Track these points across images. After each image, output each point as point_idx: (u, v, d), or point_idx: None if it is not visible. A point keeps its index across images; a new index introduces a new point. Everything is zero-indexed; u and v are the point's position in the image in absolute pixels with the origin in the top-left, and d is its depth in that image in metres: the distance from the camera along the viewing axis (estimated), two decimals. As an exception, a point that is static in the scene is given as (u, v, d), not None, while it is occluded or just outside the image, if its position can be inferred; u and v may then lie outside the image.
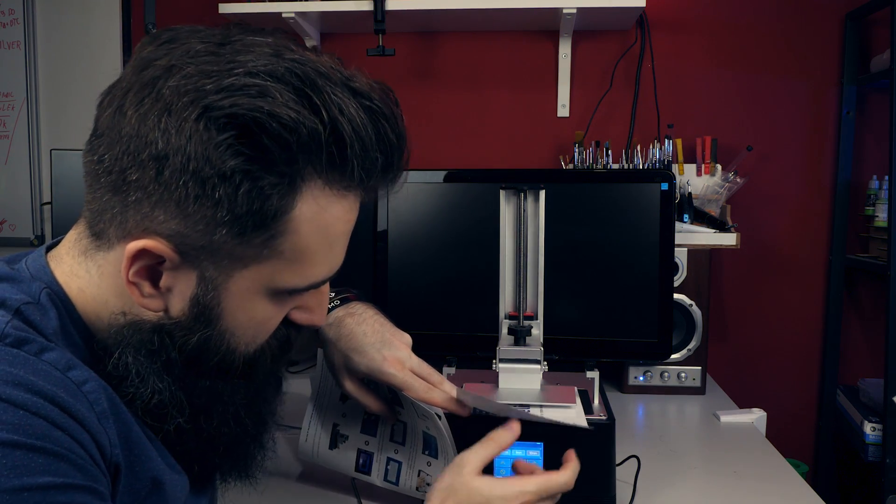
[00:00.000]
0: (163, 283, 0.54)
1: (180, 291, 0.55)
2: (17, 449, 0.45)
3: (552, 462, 0.82)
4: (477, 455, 0.71)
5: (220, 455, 0.63)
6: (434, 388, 0.81)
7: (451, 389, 0.82)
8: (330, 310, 0.85)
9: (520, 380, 0.92)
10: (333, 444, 0.92)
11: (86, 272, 0.56)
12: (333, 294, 0.88)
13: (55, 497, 0.46)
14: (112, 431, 0.52)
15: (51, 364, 0.50)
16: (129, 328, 0.55)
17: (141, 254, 0.52)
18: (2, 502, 0.44)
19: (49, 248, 0.60)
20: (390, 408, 0.87)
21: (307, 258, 0.55)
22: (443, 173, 1.12)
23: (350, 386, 0.84)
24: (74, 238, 0.58)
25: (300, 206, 0.52)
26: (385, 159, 0.54)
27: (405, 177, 0.58)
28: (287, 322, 0.62)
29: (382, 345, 0.82)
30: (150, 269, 0.53)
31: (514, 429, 0.75)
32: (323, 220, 0.54)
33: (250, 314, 0.57)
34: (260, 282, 0.55)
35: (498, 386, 0.93)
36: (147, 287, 0.54)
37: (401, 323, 1.09)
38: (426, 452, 0.86)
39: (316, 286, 0.59)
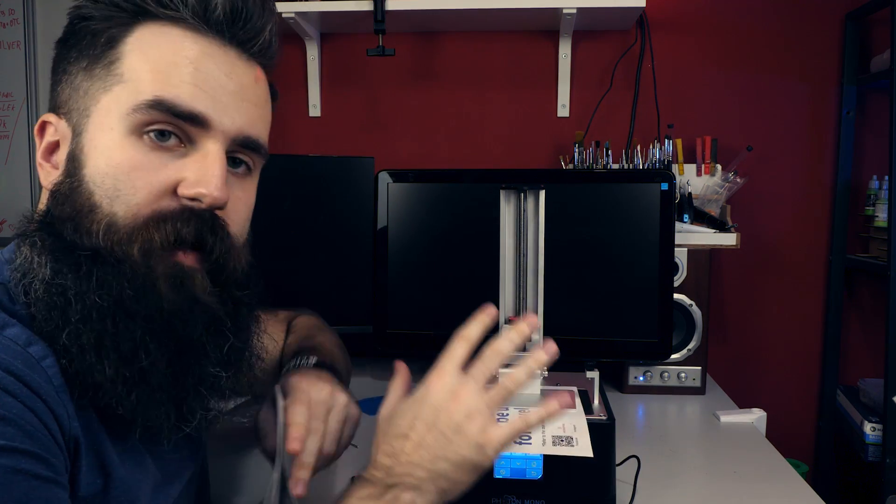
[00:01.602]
0: (57, 157, 0.59)
1: (62, 156, 0.59)
2: None
3: (552, 468, 0.82)
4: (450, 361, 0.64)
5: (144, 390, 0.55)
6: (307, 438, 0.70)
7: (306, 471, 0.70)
8: (292, 369, 0.80)
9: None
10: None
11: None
12: (308, 359, 0.82)
13: None
14: (70, 406, 0.52)
15: (11, 339, 0.51)
16: (23, 236, 0.58)
17: (42, 129, 0.60)
18: None
19: None
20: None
21: (143, 76, 0.57)
22: (443, 173, 1.12)
23: (262, 413, 0.76)
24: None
25: (133, 34, 0.57)
26: None
27: (265, 21, 0.62)
28: (184, 218, 0.57)
29: (314, 388, 0.75)
30: (52, 148, 0.60)
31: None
32: (153, 43, 0.57)
33: (107, 155, 0.56)
34: (110, 112, 0.57)
35: None
36: (48, 167, 0.60)
37: (401, 323, 1.09)
38: None
39: (161, 107, 0.56)
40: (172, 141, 0.57)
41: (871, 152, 1.69)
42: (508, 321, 0.97)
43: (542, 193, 0.95)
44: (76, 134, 0.58)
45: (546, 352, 0.66)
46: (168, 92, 0.56)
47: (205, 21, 0.59)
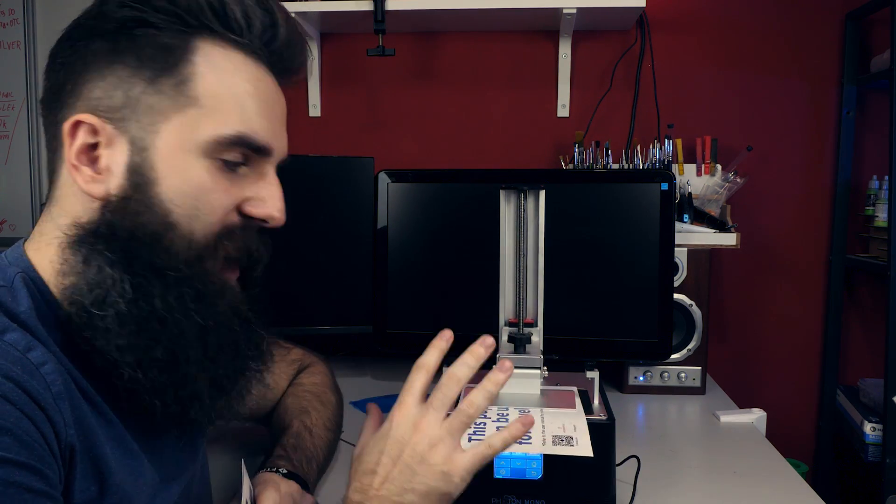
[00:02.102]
0: (102, 163, 0.57)
1: (117, 165, 0.57)
2: None
3: (552, 468, 0.82)
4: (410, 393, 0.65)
5: (184, 392, 0.59)
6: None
7: None
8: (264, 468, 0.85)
9: (520, 385, 0.93)
10: None
11: (54, 251, 0.58)
12: (280, 470, 0.84)
13: None
14: (67, 413, 0.52)
15: (10, 344, 0.51)
16: (78, 243, 0.57)
17: (76, 128, 0.57)
18: None
19: (27, 241, 0.62)
20: None
21: (220, 105, 0.58)
22: (443, 173, 1.12)
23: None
24: (42, 222, 0.61)
25: (199, 52, 0.58)
26: (265, 14, 0.60)
27: (308, 54, 0.66)
28: (246, 233, 0.62)
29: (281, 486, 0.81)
30: (88, 149, 0.57)
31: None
32: (223, 67, 0.58)
33: (184, 176, 0.57)
34: (185, 135, 0.57)
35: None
36: (88, 171, 0.57)
37: (401, 323, 1.09)
38: None
39: (242, 143, 0.59)
40: (241, 167, 0.61)
41: (871, 152, 1.69)
42: (508, 322, 0.98)
43: (542, 193, 0.95)
44: (140, 147, 0.57)
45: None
46: (247, 127, 0.59)
47: (266, 50, 0.61)
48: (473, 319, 1.07)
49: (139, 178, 0.57)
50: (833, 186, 1.70)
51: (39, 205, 1.94)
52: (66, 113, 0.58)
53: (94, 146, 0.57)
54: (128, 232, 0.56)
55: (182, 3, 0.57)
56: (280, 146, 0.64)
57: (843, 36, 1.67)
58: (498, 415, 0.85)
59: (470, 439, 0.80)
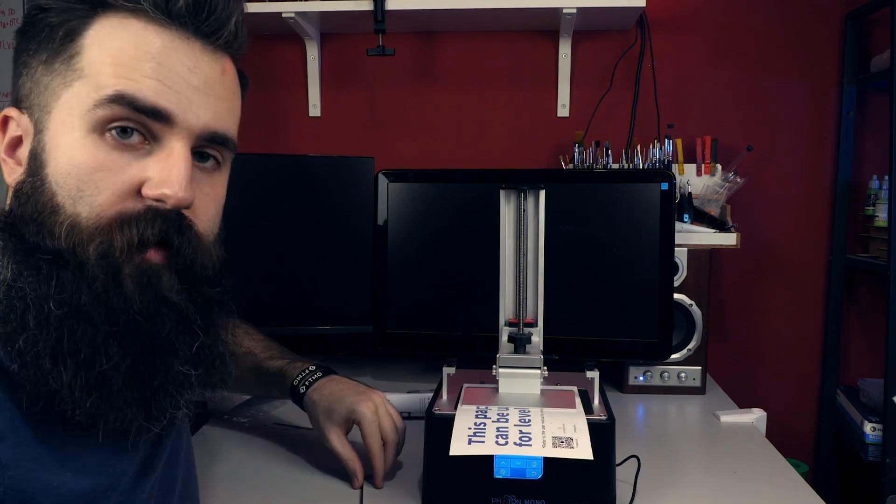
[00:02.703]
0: (20, 153, 0.58)
1: (26, 152, 0.58)
2: None
3: (552, 468, 0.82)
4: None
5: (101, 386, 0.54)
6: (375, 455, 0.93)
7: (381, 462, 0.94)
8: (313, 381, 0.99)
9: (520, 385, 0.93)
10: None
11: None
12: (314, 367, 1.02)
13: None
14: (7, 454, 0.50)
15: None
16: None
17: (5, 123, 0.59)
18: None
19: None
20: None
21: (103, 69, 0.56)
22: (443, 173, 1.12)
23: (333, 437, 0.95)
24: None
25: (93, 27, 0.56)
26: None
27: (230, 12, 0.60)
28: (148, 219, 0.56)
29: (358, 392, 0.97)
30: (15, 143, 0.59)
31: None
32: (114, 37, 0.56)
33: (68, 154, 0.55)
34: (71, 109, 0.56)
35: (498, 391, 0.93)
36: (12, 163, 0.59)
37: (401, 323, 1.09)
38: None
39: (123, 102, 0.55)
40: (135, 138, 0.56)
41: (871, 152, 1.69)
42: (508, 322, 0.98)
43: (542, 193, 0.95)
44: (38, 131, 0.57)
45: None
46: (130, 86, 0.55)
47: (167, 13, 0.57)
48: (473, 319, 1.07)
49: (35, 163, 0.56)
50: (833, 186, 1.70)
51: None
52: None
53: (21, 139, 0.59)
54: (22, 218, 0.55)
55: None
56: (190, 115, 0.57)
57: (843, 36, 1.67)
58: (498, 415, 0.85)
59: (470, 441, 0.80)
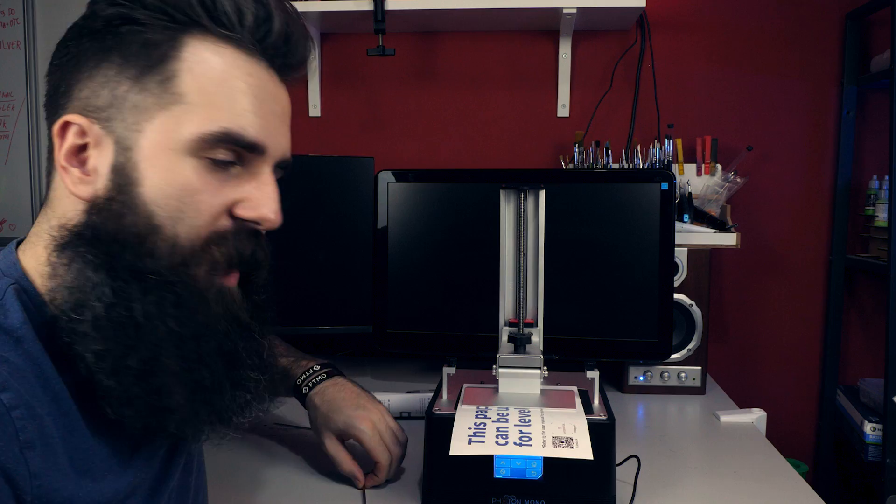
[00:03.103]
0: (90, 164, 0.56)
1: (103, 166, 0.56)
2: None
3: (552, 467, 0.82)
4: None
5: (170, 399, 0.57)
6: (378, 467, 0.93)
7: (384, 473, 0.94)
8: (317, 382, 1.00)
9: (520, 385, 0.93)
10: None
11: (42, 253, 0.57)
12: (319, 367, 1.02)
13: None
14: (36, 462, 0.51)
15: None
16: (63, 246, 0.56)
17: (64, 129, 0.57)
18: None
19: (20, 243, 0.61)
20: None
21: (206, 101, 0.56)
22: (443, 173, 1.12)
23: (328, 443, 0.95)
24: (36, 223, 0.59)
25: (187, 48, 0.56)
26: (259, 7, 0.59)
27: (311, 49, 0.64)
28: (240, 237, 0.59)
29: (357, 407, 0.96)
30: (77, 151, 0.57)
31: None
32: (211, 63, 0.57)
33: (168, 176, 0.56)
34: (169, 133, 0.55)
35: (498, 391, 0.93)
36: (77, 172, 0.57)
37: (401, 323, 1.09)
38: None
39: (229, 140, 0.57)
40: (233, 167, 0.58)
41: (871, 152, 1.69)
42: (508, 322, 0.98)
43: (542, 193, 0.95)
44: (124, 147, 0.56)
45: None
46: (234, 123, 0.57)
47: (260, 45, 0.59)
48: (473, 319, 1.07)
49: (123, 179, 0.55)
50: (833, 186, 1.70)
51: (39, 205, 1.94)
52: (58, 114, 0.57)
53: (84, 147, 0.56)
54: (110, 234, 0.55)
55: None
56: (276, 144, 0.61)
57: (843, 36, 1.67)
58: (498, 415, 0.85)
59: (470, 441, 0.80)
